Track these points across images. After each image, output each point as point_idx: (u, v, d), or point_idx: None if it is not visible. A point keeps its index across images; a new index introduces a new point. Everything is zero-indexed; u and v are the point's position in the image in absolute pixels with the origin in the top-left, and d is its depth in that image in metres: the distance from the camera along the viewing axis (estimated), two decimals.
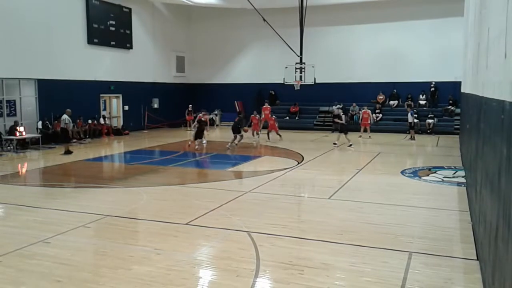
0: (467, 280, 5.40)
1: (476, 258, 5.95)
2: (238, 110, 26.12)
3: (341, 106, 23.78)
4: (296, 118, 26.31)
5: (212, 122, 26.07)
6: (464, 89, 14.83)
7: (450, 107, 23.59)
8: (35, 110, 19.07)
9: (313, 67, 20.83)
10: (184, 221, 7.77)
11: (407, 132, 21.11)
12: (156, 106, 26.35)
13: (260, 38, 26.97)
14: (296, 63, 21.18)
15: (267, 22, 20.71)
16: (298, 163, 14.09)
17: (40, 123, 18.94)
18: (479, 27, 7.99)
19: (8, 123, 17.62)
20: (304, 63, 21.07)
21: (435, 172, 12.50)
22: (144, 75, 25.22)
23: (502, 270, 3.63)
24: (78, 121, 20.03)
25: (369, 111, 21.70)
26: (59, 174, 13.02)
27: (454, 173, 12.38)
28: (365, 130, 21.30)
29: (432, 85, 24.35)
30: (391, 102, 25.33)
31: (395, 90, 25.27)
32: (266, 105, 22.59)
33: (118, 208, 8.72)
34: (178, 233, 7.20)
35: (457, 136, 20.30)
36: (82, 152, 16.96)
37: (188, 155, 16.72)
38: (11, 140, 16.93)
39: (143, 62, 25.18)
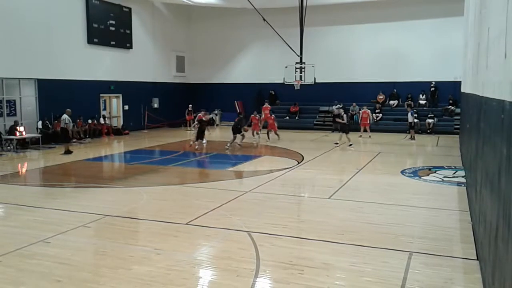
0: (467, 280, 5.40)
1: (476, 258, 5.95)
2: (238, 110, 26.13)
3: (341, 106, 23.73)
4: (296, 118, 26.30)
5: (212, 122, 26.06)
6: (464, 89, 14.84)
7: (450, 107, 23.59)
8: (35, 110, 19.06)
9: (313, 67, 20.83)
10: (184, 221, 7.77)
11: (407, 132, 21.11)
12: (156, 106, 26.35)
13: (260, 38, 26.97)
14: (296, 63, 21.19)
15: (267, 22, 20.71)
16: (298, 163, 14.09)
17: (40, 123, 18.94)
18: (479, 27, 7.98)
19: (8, 123, 17.62)
20: (304, 63, 21.08)
21: (435, 172, 12.50)
22: (144, 75, 25.22)
23: (502, 270, 3.63)
24: (78, 121, 20.03)
25: (369, 111, 21.70)
26: (59, 174, 13.02)
27: (454, 173, 12.38)
28: (365, 130, 21.30)
29: (432, 85, 24.35)
30: (391, 102, 25.33)
31: (395, 90, 25.27)
32: (266, 105, 22.60)
33: (118, 208, 8.72)
34: (178, 233, 7.20)
35: (457, 136, 20.29)
36: (82, 152, 16.96)
37: (188, 155, 16.72)
38: (11, 140, 16.93)
39: (143, 62, 25.18)
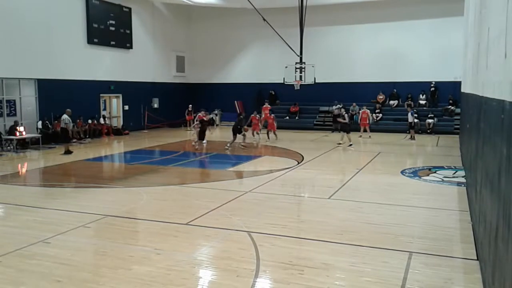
0: (467, 280, 5.40)
1: (476, 258, 5.95)
2: (238, 110, 26.13)
3: (341, 106, 23.73)
4: (296, 118, 26.30)
5: (212, 122, 26.06)
6: (464, 89, 14.83)
7: (450, 107, 23.59)
8: (35, 110, 19.06)
9: (313, 67, 20.83)
10: (184, 221, 7.77)
11: (407, 132, 21.11)
12: (156, 106, 26.35)
13: (260, 38, 26.97)
14: (296, 63, 21.18)
15: (267, 22, 20.71)
16: (298, 163, 14.09)
17: (40, 123, 18.94)
18: (479, 27, 7.98)
19: (8, 123, 17.62)
20: (304, 63, 21.07)
21: (435, 172, 12.50)
22: (144, 75, 25.22)
23: (502, 270, 3.63)
24: (78, 121, 20.02)
25: (368, 111, 21.68)
26: (59, 174, 13.02)
27: (454, 173, 12.38)
28: (364, 130, 21.30)
29: (432, 85, 24.35)
30: (391, 102, 25.33)
31: (395, 90, 25.27)
32: (266, 105, 22.61)
33: (118, 208, 8.72)
34: (178, 233, 7.20)
35: (457, 136, 20.30)
36: (82, 152, 16.96)
37: (188, 155, 16.72)
38: (11, 140, 16.92)
39: (143, 62, 25.18)
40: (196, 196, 10.05)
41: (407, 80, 24.73)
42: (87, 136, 20.59)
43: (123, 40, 23.57)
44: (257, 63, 27.78)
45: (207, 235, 7.15)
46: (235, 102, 27.67)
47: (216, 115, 27.83)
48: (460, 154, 15.15)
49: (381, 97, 25.38)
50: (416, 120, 21.44)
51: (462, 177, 11.51)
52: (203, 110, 19.46)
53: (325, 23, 25.67)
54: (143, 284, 5.25)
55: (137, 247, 6.65)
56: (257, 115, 20.02)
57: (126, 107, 24.40)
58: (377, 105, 24.86)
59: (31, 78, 18.76)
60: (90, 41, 21.48)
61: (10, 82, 18.10)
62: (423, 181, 11.35)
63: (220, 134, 23.09)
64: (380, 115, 24.56)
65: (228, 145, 17.34)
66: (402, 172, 12.47)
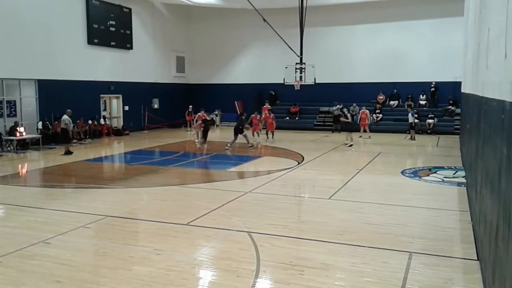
0: (467, 280, 5.40)
1: (476, 258, 5.95)
2: (238, 111, 26.15)
3: (340, 107, 23.80)
4: (296, 118, 26.31)
5: (212, 122, 26.08)
6: (464, 89, 14.83)
7: (450, 107, 23.59)
8: (35, 111, 19.07)
9: (313, 67, 20.82)
10: (184, 221, 7.77)
11: (408, 132, 21.11)
12: (156, 106, 26.35)
13: (260, 38, 26.98)
14: (296, 63, 21.18)
15: (267, 22, 20.71)
16: (299, 163, 14.09)
17: (40, 123, 18.94)
18: (479, 27, 7.99)
19: (8, 123, 17.63)
20: (304, 63, 21.06)
21: (435, 172, 12.50)
22: (144, 75, 25.23)
23: (502, 270, 3.63)
24: (78, 121, 20.03)
25: (367, 111, 21.66)
26: (59, 174, 13.02)
27: (454, 173, 12.38)
28: (364, 131, 21.30)
29: (432, 85, 24.35)
30: (391, 102, 25.33)
31: (395, 90, 25.28)
32: (266, 105, 22.60)
33: (118, 209, 8.73)
34: (178, 234, 7.20)
35: (457, 136, 20.30)
36: (82, 152, 16.96)
37: (188, 156, 16.74)
38: (12, 140, 16.93)
39: (143, 62, 25.19)
40: (196, 196, 10.05)
41: (407, 80, 24.73)
42: (87, 137, 20.60)
43: (123, 40, 23.58)
44: (257, 64, 27.79)
45: (207, 235, 7.15)
46: (235, 102, 27.68)
47: (216, 115, 27.84)
48: (460, 154, 15.15)
49: (381, 97, 25.38)
50: (416, 121, 21.44)
51: (462, 177, 11.51)
52: (202, 110, 19.49)
53: (325, 24, 25.68)
54: (143, 284, 5.25)
55: (137, 247, 6.65)
56: (258, 115, 20.03)
57: (126, 108, 24.41)
58: (377, 106, 24.87)
59: (31, 79, 18.77)
60: (90, 41, 21.49)
61: (10, 83, 18.11)
62: (423, 181, 11.35)
63: (220, 134, 23.10)
64: (380, 115, 24.56)
65: (229, 145, 17.33)
66: (402, 172, 12.47)
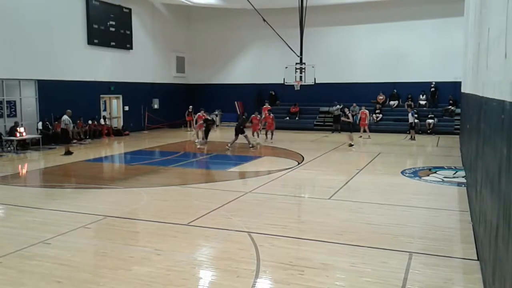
0: (467, 280, 5.40)
1: (476, 258, 5.95)
2: (238, 111, 26.15)
3: (340, 107, 23.80)
4: (296, 118, 26.31)
5: (213, 122, 26.06)
6: (464, 89, 14.83)
7: (450, 107, 23.59)
8: (35, 111, 19.07)
9: (313, 67, 20.82)
10: (185, 221, 7.77)
11: (408, 132, 21.10)
12: (156, 106, 26.36)
13: (260, 38, 26.98)
14: (296, 63, 21.18)
15: (267, 22, 20.71)
16: (299, 163, 14.09)
17: (40, 123, 18.94)
18: (479, 27, 7.99)
19: (8, 124, 17.63)
20: (304, 64, 21.06)
21: (435, 172, 12.50)
22: (144, 75, 25.23)
23: (503, 270, 3.62)
24: (78, 121, 20.03)
25: (367, 111, 21.65)
26: (59, 174, 13.02)
27: (454, 173, 12.38)
28: (364, 131, 21.30)
29: (432, 85, 24.35)
30: (391, 102, 25.33)
31: (395, 90, 25.28)
32: (266, 105, 22.60)
33: (119, 209, 8.73)
34: (178, 234, 7.20)
35: (457, 136, 20.30)
36: (83, 152, 16.96)
37: (188, 156, 16.74)
38: (12, 141, 16.93)
39: (143, 62, 25.19)
40: (196, 196, 10.05)
41: (407, 80, 24.73)
42: (87, 137, 20.60)
43: (123, 40, 23.58)
44: (257, 64, 27.79)
45: (207, 235, 7.15)
46: (235, 102, 27.68)
47: (216, 115, 27.83)
48: (460, 154, 15.15)
49: (381, 97, 25.38)
50: (416, 121, 21.44)
51: (462, 177, 11.51)
52: (202, 109, 19.49)
53: (325, 24, 25.68)
54: (143, 284, 5.25)
55: (137, 247, 6.65)
56: (258, 115, 20.03)
57: (126, 108, 24.41)
58: (377, 106, 24.86)
59: (31, 79, 18.77)
60: (90, 41, 21.49)
61: (10, 83, 18.11)
62: (423, 181, 11.35)
63: (220, 134, 23.10)
64: (380, 115, 24.56)
65: (229, 144, 17.33)
66: (402, 172, 12.47)
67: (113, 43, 22.86)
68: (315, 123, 25.58)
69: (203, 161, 15.72)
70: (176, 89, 27.94)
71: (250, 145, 17.47)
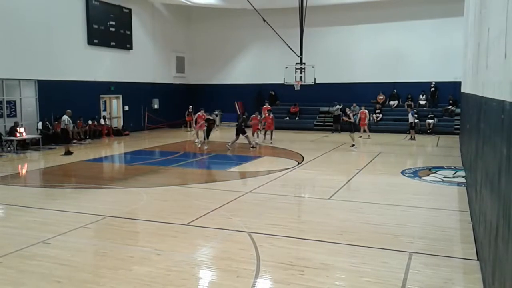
0: (467, 280, 5.40)
1: (476, 258, 5.95)
2: (238, 111, 26.13)
3: (340, 107, 23.80)
4: (296, 118, 26.31)
5: (214, 122, 26.04)
6: (464, 89, 14.84)
7: (450, 107, 23.59)
8: (35, 111, 19.07)
9: (313, 67, 20.83)
10: (184, 221, 7.77)
11: (407, 132, 21.11)
12: (156, 106, 26.36)
13: (260, 38, 26.98)
14: (296, 64, 21.18)
15: (267, 23, 20.71)
16: (299, 164, 14.09)
17: (40, 124, 18.94)
18: (479, 27, 7.99)
19: (8, 124, 17.63)
20: (304, 64, 21.07)
21: (435, 172, 12.50)
22: (144, 75, 25.23)
23: (502, 270, 3.63)
24: (78, 121, 20.03)
25: (366, 111, 21.64)
26: (59, 174, 13.02)
27: (454, 173, 12.38)
28: (364, 131, 21.30)
29: (432, 85, 24.35)
30: (391, 102, 25.33)
31: (395, 90, 25.28)
32: (266, 105, 22.60)
33: (118, 209, 8.73)
34: (178, 234, 7.20)
35: (457, 136, 20.30)
36: (82, 152, 16.96)
37: (188, 156, 16.74)
38: (11, 141, 16.92)
39: (143, 62, 25.19)
40: (196, 196, 10.05)
41: (407, 80, 24.73)
42: (87, 137, 20.60)
43: (123, 41, 23.58)
44: (257, 64, 27.79)
45: (207, 235, 7.15)
46: (235, 102, 27.68)
47: (216, 115, 27.79)
48: (460, 154, 15.15)
49: (381, 97, 25.38)
50: (416, 121, 21.44)
51: (462, 177, 11.51)
52: (202, 109, 19.50)
53: (325, 24, 25.68)
54: (143, 284, 5.25)
55: (137, 247, 6.65)
56: (258, 116, 20.03)
57: (126, 108, 24.41)
58: (377, 106, 24.86)
59: (31, 79, 18.77)
60: (90, 41, 21.49)
61: (10, 83, 18.11)
62: (423, 182, 11.35)
63: (220, 134, 23.10)
64: (380, 115, 24.56)
65: (230, 144, 17.34)
66: (402, 172, 12.47)
67: (113, 43, 22.86)
68: (315, 123, 25.58)
69: (203, 161, 15.71)
70: (176, 89, 27.95)
71: (251, 145, 17.48)
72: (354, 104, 24.59)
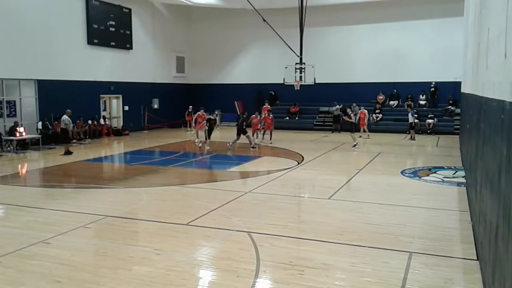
0: (467, 280, 5.40)
1: (476, 258, 5.95)
2: (238, 111, 26.12)
3: (339, 107, 23.79)
4: (296, 118, 26.31)
5: (215, 121, 26.02)
6: (464, 89, 14.83)
7: (450, 107, 23.59)
8: (35, 111, 19.07)
9: (313, 67, 20.83)
10: (184, 221, 7.77)
11: (407, 132, 21.11)
12: (156, 106, 26.35)
13: (260, 38, 26.98)
14: (296, 63, 21.18)
15: (267, 23, 20.71)
16: (298, 163, 14.09)
17: (40, 123, 18.94)
18: (479, 27, 7.99)
19: (8, 123, 17.63)
20: (304, 63, 21.07)
21: (435, 172, 12.50)
22: (144, 75, 25.23)
23: (502, 270, 3.63)
24: (78, 121, 20.03)
25: (366, 111, 21.64)
26: (59, 174, 13.02)
27: (454, 173, 12.38)
28: (364, 130, 21.31)
29: (432, 85, 24.35)
30: (391, 102, 25.33)
31: (395, 90, 25.28)
32: (266, 105, 22.59)
33: (118, 209, 8.73)
34: (178, 234, 7.20)
35: (457, 136, 20.30)
36: (82, 152, 16.96)
37: (188, 156, 16.74)
38: (11, 140, 16.92)
39: (143, 62, 25.19)
40: (196, 196, 10.05)
41: (407, 80, 24.74)
42: (87, 137, 20.60)
43: (123, 40, 23.58)
44: (257, 64, 27.79)
45: (207, 235, 7.15)
46: (235, 102, 27.68)
47: (216, 115, 27.76)
48: (460, 154, 15.15)
49: (381, 97, 25.38)
50: (416, 121, 21.44)
51: (462, 177, 11.51)
52: (202, 109, 19.49)
53: (325, 24, 25.68)
54: (143, 284, 5.25)
55: (137, 247, 6.65)
56: (258, 116, 20.03)
57: (126, 108, 24.41)
58: (377, 106, 24.86)
59: (31, 79, 18.77)
60: (90, 41, 21.49)
61: (10, 83, 18.11)
62: (423, 181, 11.35)
63: (220, 134, 23.09)
64: (380, 115, 24.56)
65: (230, 143, 17.34)
66: (402, 172, 12.47)
67: (113, 43, 22.86)
68: (315, 123, 25.58)
69: (203, 161, 15.71)
70: (176, 89, 27.94)
71: (252, 145, 17.48)
72: (354, 104, 24.56)
